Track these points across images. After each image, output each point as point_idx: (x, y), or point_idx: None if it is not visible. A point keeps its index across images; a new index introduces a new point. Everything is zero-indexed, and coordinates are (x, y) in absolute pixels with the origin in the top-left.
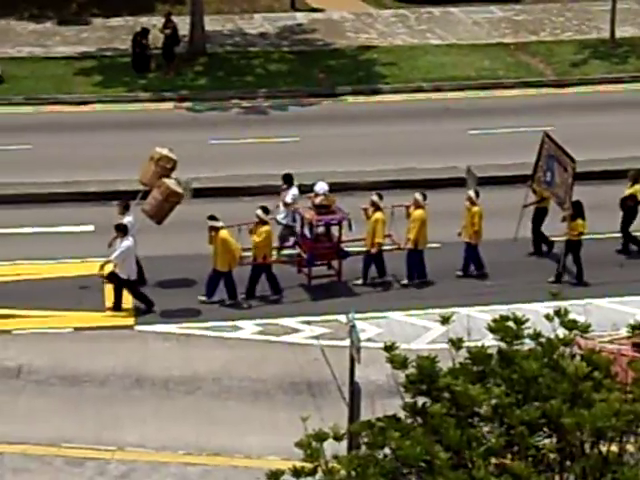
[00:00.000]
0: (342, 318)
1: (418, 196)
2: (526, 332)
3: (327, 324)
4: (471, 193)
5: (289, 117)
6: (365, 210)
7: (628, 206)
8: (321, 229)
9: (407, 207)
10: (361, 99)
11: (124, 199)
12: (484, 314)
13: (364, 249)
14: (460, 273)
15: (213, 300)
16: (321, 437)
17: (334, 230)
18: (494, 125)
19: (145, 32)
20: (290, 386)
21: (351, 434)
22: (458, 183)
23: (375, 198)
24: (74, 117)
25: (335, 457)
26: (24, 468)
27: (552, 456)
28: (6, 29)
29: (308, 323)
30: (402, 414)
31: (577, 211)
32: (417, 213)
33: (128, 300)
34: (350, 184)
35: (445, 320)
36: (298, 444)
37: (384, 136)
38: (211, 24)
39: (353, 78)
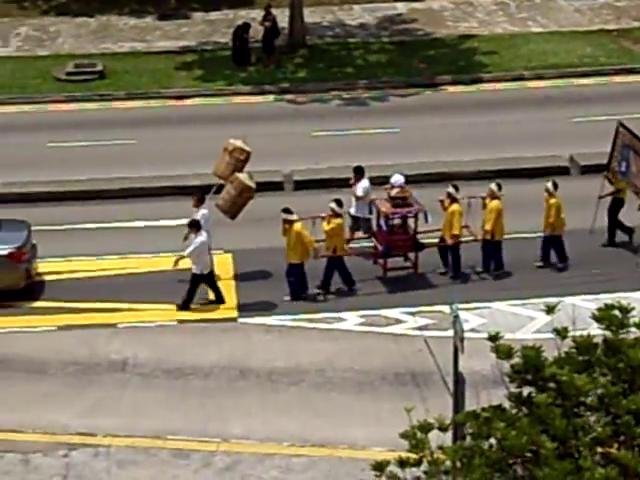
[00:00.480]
0: (446, 309)
1: (493, 187)
2: (632, 321)
3: (431, 315)
4: (549, 185)
5: (389, 108)
6: (442, 202)
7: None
8: (397, 221)
9: (483, 198)
10: (461, 88)
11: (199, 192)
12: (589, 303)
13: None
14: (540, 264)
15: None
16: (426, 428)
17: (410, 222)
18: (597, 113)
19: (246, 26)
20: (394, 377)
21: (456, 424)
22: (561, 172)
23: (451, 190)
24: (175, 111)
25: (440, 448)
26: (130, 460)
27: None
28: (107, 25)
29: (412, 314)
30: (507, 404)
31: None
32: (493, 204)
33: (231, 292)
34: (451, 174)
35: (550, 310)
36: (403, 435)
37: (485, 125)
38: (311, 16)
39: (453, 67)
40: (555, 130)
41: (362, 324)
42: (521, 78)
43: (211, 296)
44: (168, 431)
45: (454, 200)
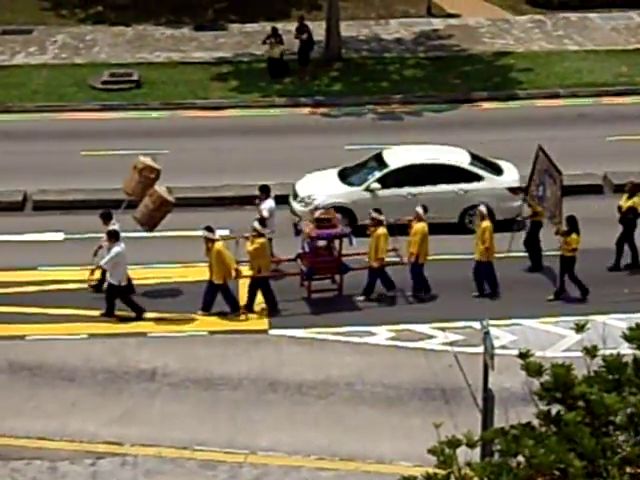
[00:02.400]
0: (476, 325)
1: (419, 209)
2: None
3: (461, 331)
4: (482, 208)
5: (424, 123)
6: (367, 227)
7: (628, 219)
8: (322, 243)
9: (409, 221)
10: (496, 105)
11: (106, 208)
12: (620, 322)
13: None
14: (476, 294)
15: (212, 312)
16: (454, 444)
17: (335, 244)
18: (631, 131)
19: (275, 30)
20: (423, 392)
21: (484, 441)
22: (594, 190)
23: (374, 214)
24: (210, 122)
25: (468, 464)
26: (158, 470)
27: None
28: (143, 34)
29: (442, 329)
30: (536, 422)
31: (571, 226)
32: (418, 226)
33: (261, 304)
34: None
35: (580, 328)
36: (431, 450)
37: (519, 142)
38: (347, 30)
39: (488, 84)
40: (589, 148)
41: (392, 339)
42: (556, 96)
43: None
44: (196, 442)
45: (379, 223)
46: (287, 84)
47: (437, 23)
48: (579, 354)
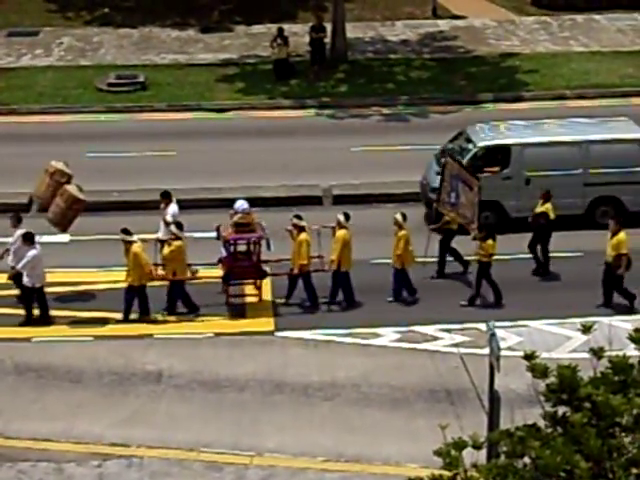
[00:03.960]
0: (482, 326)
1: (340, 217)
2: None
3: (467, 332)
4: (398, 216)
5: (429, 124)
6: (290, 232)
7: (539, 224)
8: (241, 247)
9: (333, 228)
10: (502, 106)
11: (15, 212)
12: (626, 323)
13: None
14: (391, 299)
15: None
16: (460, 445)
17: (255, 249)
18: None
19: (281, 31)
20: (429, 394)
21: (490, 443)
22: None
23: (295, 220)
24: (216, 124)
25: (474, 466)
26: (164, 472)
27: None
28: (149, 36)
29: (448, 331)
30: (542, 423)
31: (488, 232)
32: (339, 234)
33: (268, 306)
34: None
35: (586, 329)
36: (437, 452)
37: None
38: (353, 31)
39: (494, 85)
40: None
41: (398, 340)
42: (562, 97)
43: (35, 311)
44: (202, 443)
45: (302, 229)
46: (293, 86)
47: (443, 24)
48: (585, 355)
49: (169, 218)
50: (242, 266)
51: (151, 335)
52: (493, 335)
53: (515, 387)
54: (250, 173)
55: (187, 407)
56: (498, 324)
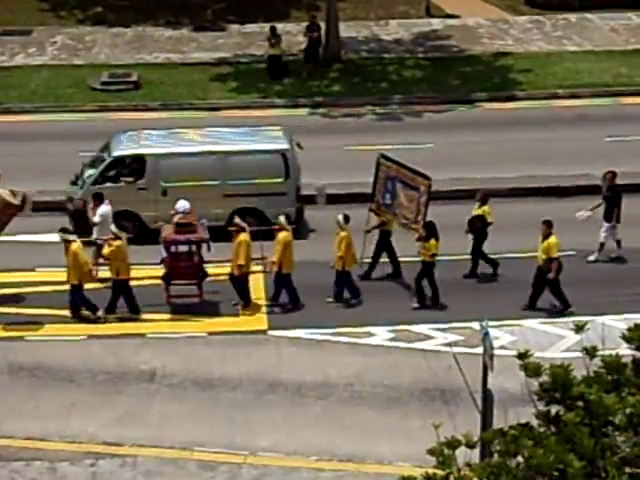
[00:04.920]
0: (475, 325)
1: (282, 219)
2: None
3: (460, 331)
4: (339, 217)
5: (423, 123)
6: (232, 232)
7: (477, 227)
8: (183, 248)
9: (275, 230)
10: (496, 105)
11: None
12: (619, 323)
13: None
14: (331, 299)
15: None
16: (453, 444)
17: (196, 250)
18: (631, 132)
19: (273, 29)
20: (423, 393)
21: (483, 442)
22: (593, 191)
23: (237, 220)
24: (209, 123)
25: (467, 465)
26: (157, 471)
27: None
28: (143, 35)
29: (441, 330)
30: (535, 422)
31: (430, 231)
32: (280, 236)
33: (261, 305)
34: (484, 191)
35: (579, 328)
36: (430, 451)
37: (519, 143)
38: (346, 30)
39: (488, 85)
40: (588, 149)
41: (392, 339)
42: (555, 96)
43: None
44: (195, 443)
45: (241, 230)
46: (286, 85)
47: (436, 24)
48: (578, 354)
49: (97, 219)
50: (182, 266)
51: (144, 335)
52: (486, 334)
53: (508, 386)
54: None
55: (180, 406)
56: (492, 323)
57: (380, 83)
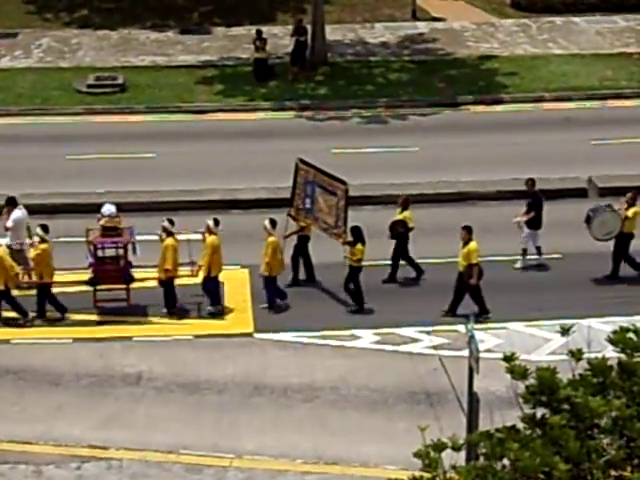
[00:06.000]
0: (461, 328)
1: (210, 222)
2: None
3: (446, 334)
4: (266, 223)
5: (409, 127)
6: (160, 236)
7: (398, 232)
8: (110, 252)
9: (202, 233)
10: (482, 109)
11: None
12: (605, 325)
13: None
14: (265, 306)
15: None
16: (439, 447)
17: (122, 253)
18: (617, 135)
19: (259, 33)
20: (408, 396)
21: (469, 444)
22: (579, 194)
23: (166, 224)
24: (195, 126)
25: (453, 467)
26: (143, 474)
27: None
28: (129, 38)
29: (427, 333)
30: (521, 425)
31: (356, 236)
32: (209, 239)
33: (247, 308)
34: (471, 194)
35: (565, 331)
36: (416, 454)
37: (504, 146)
38: (332, 33)
39: (474, 88)
40: (574, 152)
41: (377, 342)
42: (541, 100)
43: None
44: (181, 446)
45: (170, 234)
46: (272, 88)
47: (422, 27)
48: (564, 357)
49: (9, 224)
50: (108, 270)
51: (130, 338)
52: (472, 337)
53: (494, 389)
54: (230, 175)
55: (166, 409)
56: (477, 326)
57: (366, 86)
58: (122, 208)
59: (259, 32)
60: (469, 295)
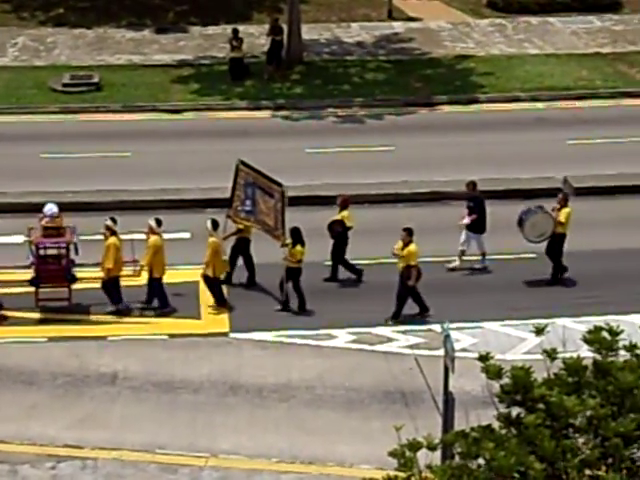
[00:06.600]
0: (437, 328)
1: (152, 222)
2: (621, 343)
3: (422, 334)
4: (207, 223)
5: (385, 126)
6: (104, 235)
7: (336, 232)
8: (52, 251)
9: (146, 233)
10: (458, 108)
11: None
12: (579, 325)
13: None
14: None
15: None
16: (415, 446)
17: (64, 253)
18: (592, 135)
19: (235, 31)
20: (384, 395)
21: (445, 444)
22: (555, 193)
23: (109, 222)
24: (171, 125)
25: (429, 467)
26: (118, 474)
27: None
28: (104, 37)
29: (403, 332)
30: (496, 424)
31: (295, 238)
32: (151, 240)
33: (223, 307)
34: (446, 193)
35: (539, 331)
36: (391, 453)
37: (480, 146)
38: (308, 33)
39: (450, 87)
40: (549, 152)
41: (353, 342)
42: (517, 99)
43: None
44: (157, 445)
45: (113, 233)
46: (248, 87)
47: (398, 26)
48: (539, 357)
49: None
50: (50, 270)
51: (105, 337)
52: (448, 337)
53: (469, 388)
54: (206, 174)
55: (142, 409)
56: (452, 326)
57: (342, 85)
58: (98, 207)
59: (235, 31)
60: (409, 296)
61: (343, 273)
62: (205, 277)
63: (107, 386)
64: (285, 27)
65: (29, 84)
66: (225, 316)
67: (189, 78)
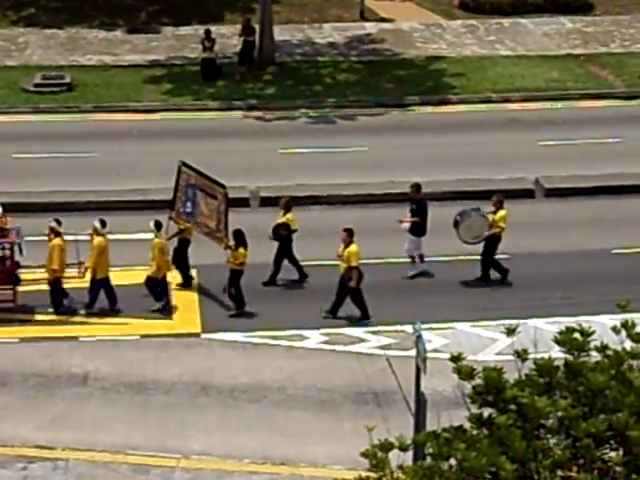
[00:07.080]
0: (408, 328)
1: (96, 224)
2: (593, 344)
3: (393, 334)
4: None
5: (357, 127)
6: (48, 235)
7: (281, 235)
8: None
9: (91, 234)
10: (429, 109)
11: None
12: (551, 326)
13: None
14: (158, 306)
15: None
16: (386, 447)
17: (8, 254)
18: (563, 136)
19: (208, 32)
20: (356, 396)
21: (416, 444)
22: (526, 194)
23: (53, 224)
24: (143, 125)
25: (400, 467)
26: (90, 475)
27: (618, 469)
28: (76, 37)
29: (374, 333)
30: (468, 425)
31: (238, 240)
32: (95, 241)
33: (194, 308)
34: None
35: (510, 332)
36: (363, 454)
37: (452, 147)
38: (280, 33)
39: (422, 88)
40: (521, 153)
41: (325, 342)
42: (488, 100)
43: None
44: (128, 446)
45: (57, 234)
46: (220, 87)
47: (370, 27)
48: (511, 358)
49: None
50: None
51: (77, 338)
52: (419, 337)
53: (441, 389)
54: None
55: (113, 409)
56: (424, 326)
57: (314, 86)
58: (69, 207)
59: (207, 32)
60: (350, 298)
61: (290, 273)
62: (147, 277)
63: (79, 387)
64: (257, 28)
65: (0, 84)
66: (197, 317)
67: (161, 78)
